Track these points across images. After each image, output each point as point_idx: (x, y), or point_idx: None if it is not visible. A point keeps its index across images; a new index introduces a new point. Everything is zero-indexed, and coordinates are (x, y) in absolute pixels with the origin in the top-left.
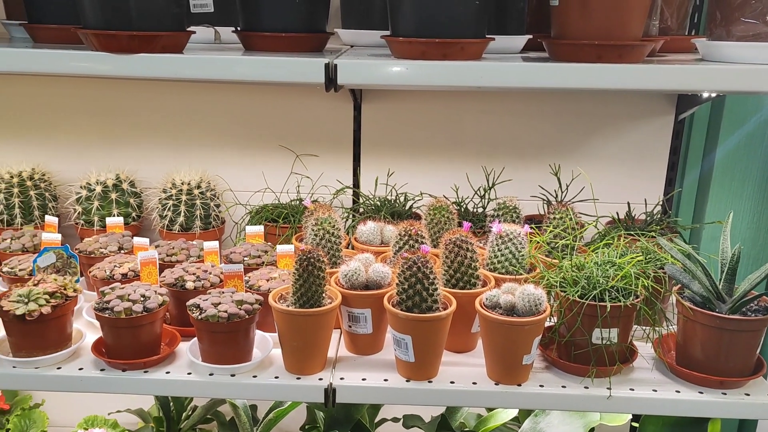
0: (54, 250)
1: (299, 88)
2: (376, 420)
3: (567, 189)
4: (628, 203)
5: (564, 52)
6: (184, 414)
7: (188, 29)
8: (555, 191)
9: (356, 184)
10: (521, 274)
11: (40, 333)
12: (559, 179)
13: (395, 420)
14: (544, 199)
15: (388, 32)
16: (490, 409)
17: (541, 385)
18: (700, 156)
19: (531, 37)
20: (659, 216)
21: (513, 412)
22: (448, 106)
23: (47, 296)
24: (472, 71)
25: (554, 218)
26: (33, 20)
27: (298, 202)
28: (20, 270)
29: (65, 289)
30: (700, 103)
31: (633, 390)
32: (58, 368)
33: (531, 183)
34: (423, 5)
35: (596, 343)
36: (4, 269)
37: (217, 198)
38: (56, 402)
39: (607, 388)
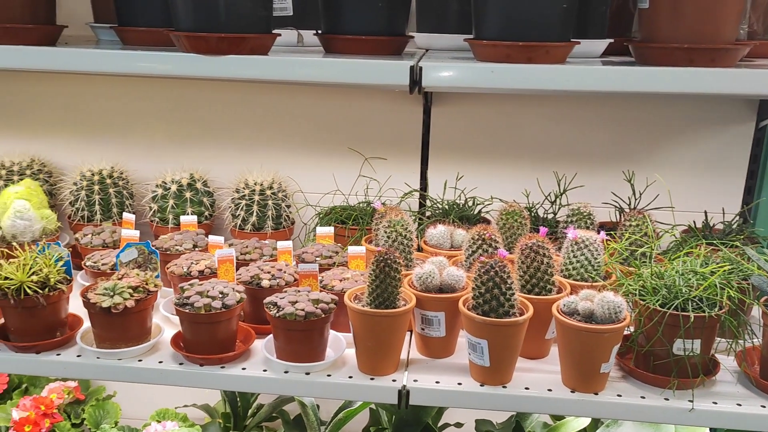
0: (136, 246)
1: (369, 91)
2: (439, 424)
3: (640, 196)
4: (705, 212)
5: (653, 56)
6: (249, 411)
7: (273, 32)
8: (628, 198)
9: (424, 187)
10: (597, 281)
11: (124, 326)
12: (632, 186)
13: (458, 425)
14: (616, 206)
15: (470, 36)
16: (556, 418)
17: (619, 395)
18: None
19: (612, 41)
20: (738, 225)
21: (584, 422)
22: (519, 111)
23: (131, 290)
24: (561, 75)
25: (630, 225)
26: (123, 23)
27: (365, 204)
28: (102, 264)
29: (147, 284)
30: None
31: (716, 403)
32: (139, 360)
33: (602, 190)
34: (509, 8)
35: (677, 354)
36: (88, 263)
37: (288, 199)
38: (125, 394)
39: (689, 401)
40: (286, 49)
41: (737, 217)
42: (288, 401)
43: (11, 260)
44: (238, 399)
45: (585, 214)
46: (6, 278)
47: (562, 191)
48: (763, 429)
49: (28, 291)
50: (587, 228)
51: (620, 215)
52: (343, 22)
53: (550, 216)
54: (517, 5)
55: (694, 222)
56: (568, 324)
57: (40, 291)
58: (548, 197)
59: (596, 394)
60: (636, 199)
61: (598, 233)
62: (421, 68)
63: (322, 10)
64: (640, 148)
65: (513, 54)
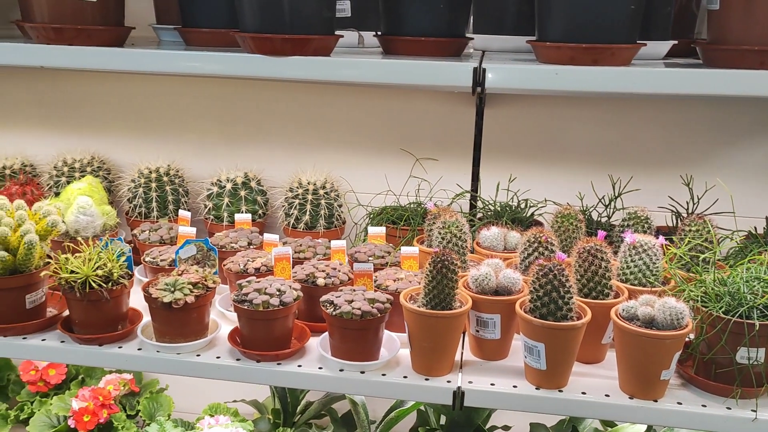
0: (195, 242)
1: (422, 93)
2: (487, 427)
3: (698, 201)
4: (767, 218)
5: (723, 58)
6: (298, 408)
7: (336, 33)
8: (686, 203)
9: (475, 188)
10: (656, 286)
11: (183, 321)
12: (691, 190)
13: (505, 428)
14: (673, 211)
15: (531, 37)
16: (607, 424)
17: (679, 402)
18: None
19: (676, 42)
20: None
21: (639, 429)
22: (573, 113)
23: (191, 286)
24: (628, 77)
25: (690, 230)
26: (187, 24)
27: (416, 205)
28: (161, 260)
29: (206, 280)
30: None
31: None
32: (198, 355)
33: (657, 194)
34: (575, 10)
35: (741, 362)
36: (147, 259)
37: (340, 198)
38: (176, 388)
39: (752, 410)
40: (346, 50)
41: None
42: (336, 400)
43: (76, 254)
44: (288, 396)
45: (642, 218)
46: (72, 272)
47: (617, 194)
48: None
49: (93, 285)
50: (644, 232)
51: (677, 220)
52: (403, 23)
53: (604, 219)
54: (584, 6)
55: (755, 228)
56: (628, 329)
57: (104, 285)
58: (602, 200)
59: (655, 401)
60: (694, 204)
61: (656, 238)
62: (484, 70)
63: (383, 12)
64: (698, 151)
65: (578, 56)
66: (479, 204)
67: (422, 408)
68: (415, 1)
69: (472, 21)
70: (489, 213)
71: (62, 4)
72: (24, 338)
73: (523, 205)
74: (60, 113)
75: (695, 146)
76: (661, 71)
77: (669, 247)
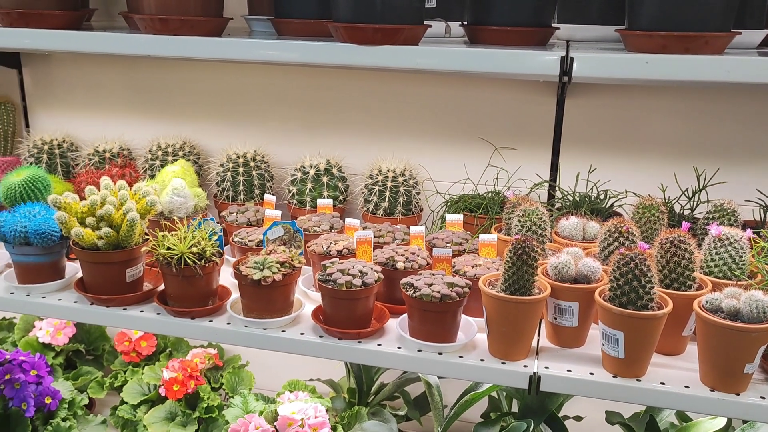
0: (282, 224)
1: (503, 81)
2: (560, 415)
3: None
4: None
5: None
6: (372, 388)
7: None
8: None
9: (554, 178)
10: (741, 280)
11: (270, 297)
12: None
13: (577, 419)
14: (761, 204)
15: (620, 26)
16: (683, 418)
17: (762, 397)
18: None
19: None
20: None
21: (719, 423)
22: (656, 104)
23: (278, 265)
24: (721, 65)
25: None
26: (279, 15)
27: (494, 194)
28: (249, 240)
29: (292, 260)
30: None
31: None
32: (283, 331)
33: (745, 187)
34: None
35: None
36: (235, 239)
37: (418, 186)
38: (256, 364)
39: None
40: (433, 39)
41: None
42: (410, 382)
43: (172, 232)
44: (363, 376)
45: (729, 210)
46: (169, 249)
47: (701, 187)
48: None
49: (188, 261)
50: (730, 225)
51: (765, 214)
52: (489, 13)
53: (687, 212)
54: None
55: None
56: (712, 321)
57: (198, 262)
58: (685, 193)
59: (737, 394)
60: None
61: (746, 230)
62: (572, 59)
63: (469, 2)
64: None
65: (669, 44)
66: (558, 194)
67: (494, 395)
68: None
69: (557, 10)
70: (567, 203)
71: None
72: (124, 309)
73: (602, 196)
74: (154, 100)
75: None
76: (755, 59)
77: (757, 241)
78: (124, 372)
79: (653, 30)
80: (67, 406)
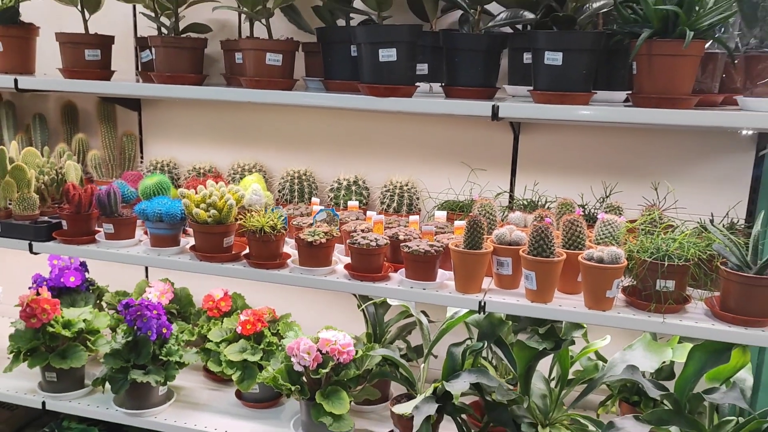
0: (326, 210)
1: (476, 122)
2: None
3: (664, 200)
4: (711, 214)
5: (642, 103)
6: (383, 335)
7: (415, 84)
8: (653, 201)
9: (511, 190)
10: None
11: (318, 255)
12: (657, 192)
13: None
14: (644, 206)
15: (530, 87)
16: (584, 336)
17: (618, 313)
18: None
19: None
20: (739, 224)
21: (606, 342)
22: (580, 139)
23: (323, 233)
24: (583, 111)
25: (645, 215)
26: (327, 77)
27: (470, 200)
28: (303, 223)
29: (332, 232)
30: None
31: (680, 321)
32: (325, 276)
33: (635, 194)
34: (552, 72)
35: (658, 290)
36: (294, 222)
37: (417, 193)
38: (300, 320)
39: (662, 316)
40: (422, 95)
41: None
42: (409, 326)
43: (254, 214)
44: (377, 324)
45: (615, 206)
46: (253, 224)
47: (607, 195)
48: (711, 337)
49: (266, 230)
50: (617, 215)
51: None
52: (457, 78)
53: (597, 210)
54: (556, 72)
55: (701, 219)
56: (586, 264)
57: (272, 231)
58: (598, 200)
59: (604, 311)
60: (660, 202)
61: (621, 218)
62: (498, 106)
63: (445, 71)
64: (664, 165)
65: (552, 99)
66: (514, 201)
67: (466, 324)
68: (462, 65)
69: (508, 76)
70: (519, 206)
71: (260, 66)
72: (221, 264)
73: (542, 202)
74: (234, 134)
75: (661, 161)
76: (605, 107)
77: (627, 224)
78: (208, 323)
79: (543, 90)
80: (174, 338)
